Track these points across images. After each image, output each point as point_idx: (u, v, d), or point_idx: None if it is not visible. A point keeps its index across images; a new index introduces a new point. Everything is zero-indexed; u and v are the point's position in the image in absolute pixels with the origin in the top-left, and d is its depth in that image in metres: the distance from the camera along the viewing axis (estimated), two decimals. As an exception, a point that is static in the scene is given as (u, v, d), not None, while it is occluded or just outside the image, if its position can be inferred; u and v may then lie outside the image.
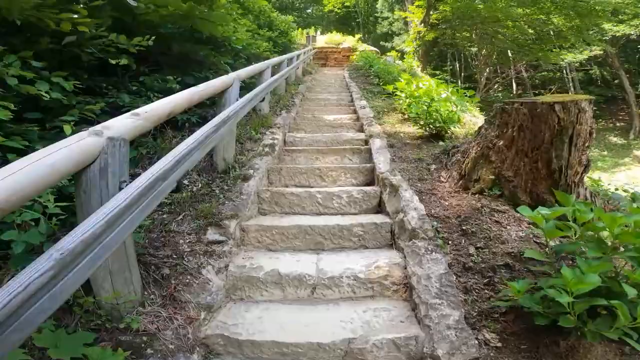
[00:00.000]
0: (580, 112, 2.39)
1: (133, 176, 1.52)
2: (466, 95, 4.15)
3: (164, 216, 2.35)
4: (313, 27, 21.19)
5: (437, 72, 20.95)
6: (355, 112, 5.27)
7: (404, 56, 14.99)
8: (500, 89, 29.53)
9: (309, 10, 34.99)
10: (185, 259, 2.01)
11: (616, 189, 3.43)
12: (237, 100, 3.06)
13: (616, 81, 30.10)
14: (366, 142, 4.06)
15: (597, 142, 26.94)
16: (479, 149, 2.91)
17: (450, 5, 12.77)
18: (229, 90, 3.08)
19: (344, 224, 2.54)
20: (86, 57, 2.69)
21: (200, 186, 2.85)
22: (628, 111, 30.74)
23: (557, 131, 2.41)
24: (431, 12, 13.51)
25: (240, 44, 5.63)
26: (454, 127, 3.68)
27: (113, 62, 2.74)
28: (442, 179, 3.20)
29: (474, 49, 24.92)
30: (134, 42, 2.74)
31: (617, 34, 19.06)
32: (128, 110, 1.74)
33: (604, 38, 15.99)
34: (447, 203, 2.71)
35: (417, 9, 13.72)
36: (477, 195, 2.86)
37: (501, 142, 2.71)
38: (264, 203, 2.96)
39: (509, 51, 24.66)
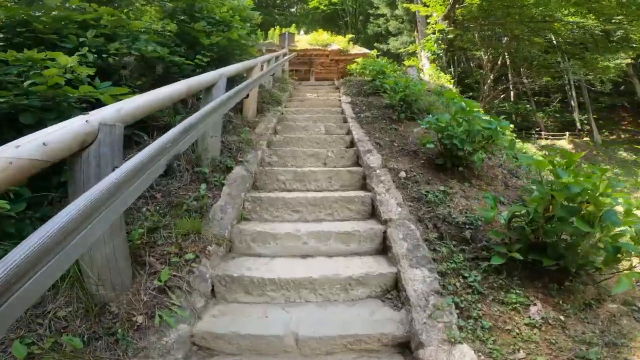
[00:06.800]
0: None
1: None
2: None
3: None
4: (293, 25, 16.23)
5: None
6: None
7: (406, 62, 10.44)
8: (503, 97, 25.18)
9: (293, 10, 29.78)
10: None
11: None
12: None
13: (622, 88, 26.44)
14: None
15: (607, 158, 22.92)
16: None
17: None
18: None
19: None
20: None
21: None
22: (630, 120, 27.14)
23: None
24: (456, 5, 8.87)
25: None
26: None
27: None
28: None
29: (479, 53, 20.57)
30: None
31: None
32: None
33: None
34: None
35: (436, 2, 9.04)
36: None
37: None
38: None
39: (507, 58, 20.23)
